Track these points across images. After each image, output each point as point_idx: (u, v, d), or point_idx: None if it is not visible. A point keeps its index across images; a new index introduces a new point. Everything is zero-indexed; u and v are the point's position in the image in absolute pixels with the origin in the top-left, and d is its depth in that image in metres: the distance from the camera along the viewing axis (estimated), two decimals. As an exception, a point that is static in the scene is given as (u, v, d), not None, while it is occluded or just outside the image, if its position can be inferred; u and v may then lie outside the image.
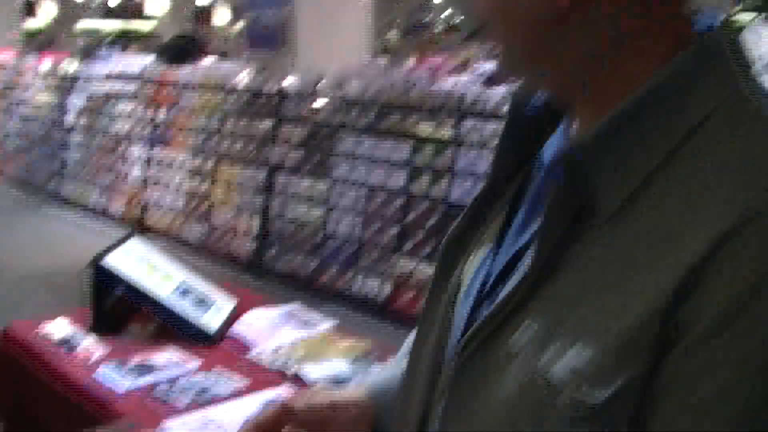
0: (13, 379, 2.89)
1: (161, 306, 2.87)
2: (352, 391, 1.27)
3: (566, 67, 0.91)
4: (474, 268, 1.07)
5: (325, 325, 3.05)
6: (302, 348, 2.78)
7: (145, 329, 2.86)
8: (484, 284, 1.03)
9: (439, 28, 27.45)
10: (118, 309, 2.94)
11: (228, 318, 3.00)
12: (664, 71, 0.85)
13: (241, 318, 3.02)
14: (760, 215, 0.73)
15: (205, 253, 7.93)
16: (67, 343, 2.79)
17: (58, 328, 2.92)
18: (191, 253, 8.00)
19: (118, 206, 9.31)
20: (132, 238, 3.20)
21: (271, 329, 2.96)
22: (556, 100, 0.99)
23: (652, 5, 0.87)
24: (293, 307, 3.21)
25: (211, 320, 2.92)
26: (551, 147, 1.03)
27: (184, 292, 3.01)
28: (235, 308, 3.09)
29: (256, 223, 7.35)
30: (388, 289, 6.18)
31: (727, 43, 0.88)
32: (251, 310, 3.09)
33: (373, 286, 6.28)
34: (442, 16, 27.47)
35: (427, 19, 26.98)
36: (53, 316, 3.03)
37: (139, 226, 8.83)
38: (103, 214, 9.57)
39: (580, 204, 0.87)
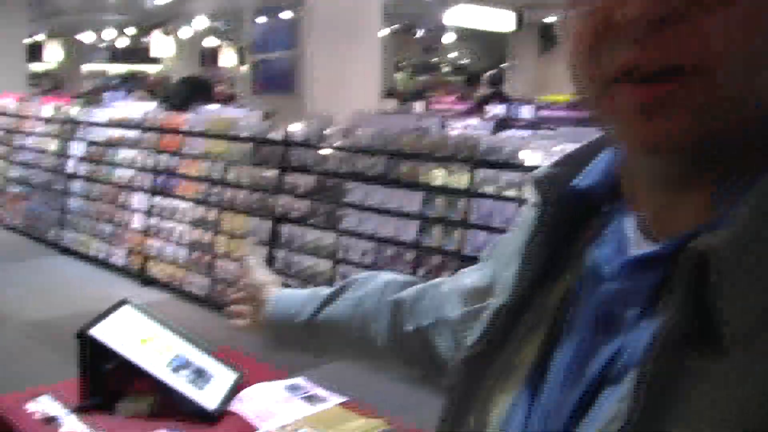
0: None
1: (155, 381, 2.67)
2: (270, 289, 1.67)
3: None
4: (508, 403, 0.87)
5: (333, 400, 2.84)
6: (310, 427, 2.57)
7: (137, 406, 2.65)
8: (525, 428, 0.83)
9: (446, 69, 27.55)
10: (109, 383, 2.74)
11: (229, 393, 2.78)
12: None
13: (243, 392, 2.81)
14: None
15: (208, 305, 7.73)
16: (52, 422, 2.58)
17: (44, 404, 2.72)
18: (194, 305, 7.82)
19: (119, 256, 9.13)
20: (125, 305, 2.99)
21: (276, 405, 2.75)
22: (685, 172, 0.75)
23: None
24: (299, 380, 3.00)
25: (211, 396, 2.71)
26: (605, 250, 0.83)
27: (182, 364, 2.80)
28: (237, 381, 2.88)
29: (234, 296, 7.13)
30: (399, 345, 5.95)
31: None
32: (254, 385, 2.88)
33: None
34: (449, 56, 27.53)
35: (435, 60, 27.04)
36: (39, 391, 2.82)
37: (141, 277, 8.68)
38: (105, 264, 9.40)
39: (694, 327, 0.67)
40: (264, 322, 1.63)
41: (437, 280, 1.41)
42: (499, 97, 11.50)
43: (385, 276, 1.52)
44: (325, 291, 1.56)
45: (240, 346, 3.26)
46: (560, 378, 0.82)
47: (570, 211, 0.90)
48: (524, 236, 0.93)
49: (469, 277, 1.25)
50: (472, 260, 4.40)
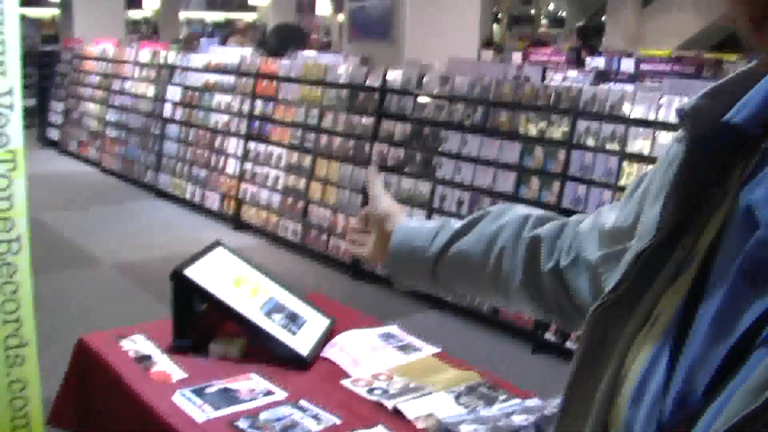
0: (85, 394, 2.68)
1: (248, 324, 2.62)
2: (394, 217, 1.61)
3: None
4: (648, 355, 0.78)
5: (426, 350, 2.76)
6: (402, 376, 2.50)
7: (228, 349, 2.61)
8: (667, 382, 0.75)
9: (543, 21, 27.15)
10: (202, 324, 2.71)
11: (321, 338, 2.73)
12: None
13: (336, 339, 2.76)
14: None
15: (301, 252, 7.74)
16: (145, 361, 2.56)
17: (136, 342, 2.70)
18: (287, 251, 7.84)
19: (213, 200, 9.19)
20: (219, 247, 2.95)
21: (368, 353, 2.69)
22: None
23: None
24: (392, 328, 2.94)
25: (304, 341, 2.66)
26: (761, 191, 0.74)
27: (275, 308, 2.75)
28: (329, 327, 2.83)
29: (354, 223, 7.09)
30: (492, 298, 5.84)
31: None
32: (346, 331, 2.82)
33: (477, 295, 5.96)
34: (547, 8, 27.11)
35: (532, 12, 26.66)
36: (132, 330, 2.81)
37: (234, 222, 8.72)
38: (199, 207, 9.48)
39: None
40: (388, 254, 1.54)
41: (577, 216, 1.31)
42: (589, 49, 11.34)
43: (522, 210, 1.42)
44: (456, 223, 1.47)
45: (332, 293, 3.25)
46: (707, 330, 0.73)
47: (721, 147, 0.81)
48: (670, 174, 0.85)
49: (609, 216, 1.14)
50: (569, 213, 4.29)
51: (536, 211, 1.41)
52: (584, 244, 1.20)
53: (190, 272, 2.63)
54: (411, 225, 1.54)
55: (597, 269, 1.13)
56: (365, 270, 6.95)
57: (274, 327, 2.64)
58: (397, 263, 1.52)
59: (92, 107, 12.54)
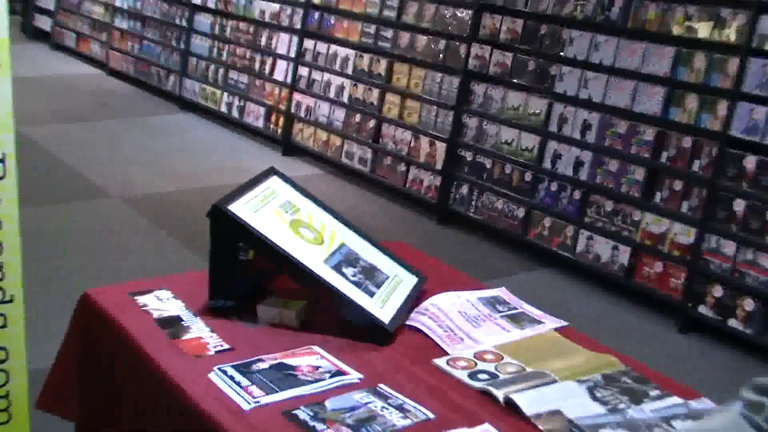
0: (89, 368, 2.65)
1: (310, 279, 2.57)
2: None
3: None
4: None
5: (548, 324, 2.70)
6: (516, 357, 2.44)
7: (282, 313, 2.57)
8: None
9: None
10: (248, 279, 2.68)
11: (406, 302, 2.68)
12: None
13: (425, 303, 2.71)
14: None
15: (370, 186, 7.70)
16: (172, 326, 2.52)
17: (161, 301, 2.67)
18: (351, 185, 7.81)
19: (257, 115, 9.19)
20: (273, 177, 2.91)
21: (469, 323, 2.64)
22: None
23: None
24: (499, 292, 2.87)
25: (383, 305, 2.61)
26: None
27: (346, 259, 2.71)
28: (416, 287, 2.78)
29: (441, 150, 7.05)
30: (626, 255, 5.80)
31: None
32: (439, 294, 2.76)
33: (606, 250, 5.90)
34: None
35: None
36: (152, 283, 2.78)
37: (283, 144, 8.72)
38: (238, 125, 9.50)
39: None
40: None
41: None
42: None
43: None
44: None
45: (411, 241, 3.15)
46: None
47: None
48: None
49: None
50: (739, 144, 4.15)
51: None
52: None
53: (234, 209, 2.58)
54: None
55: None
56: (455, 212, 6.90)
57: (345, 284, 2.59)
58: None
59: (97, -11, 12.59)
